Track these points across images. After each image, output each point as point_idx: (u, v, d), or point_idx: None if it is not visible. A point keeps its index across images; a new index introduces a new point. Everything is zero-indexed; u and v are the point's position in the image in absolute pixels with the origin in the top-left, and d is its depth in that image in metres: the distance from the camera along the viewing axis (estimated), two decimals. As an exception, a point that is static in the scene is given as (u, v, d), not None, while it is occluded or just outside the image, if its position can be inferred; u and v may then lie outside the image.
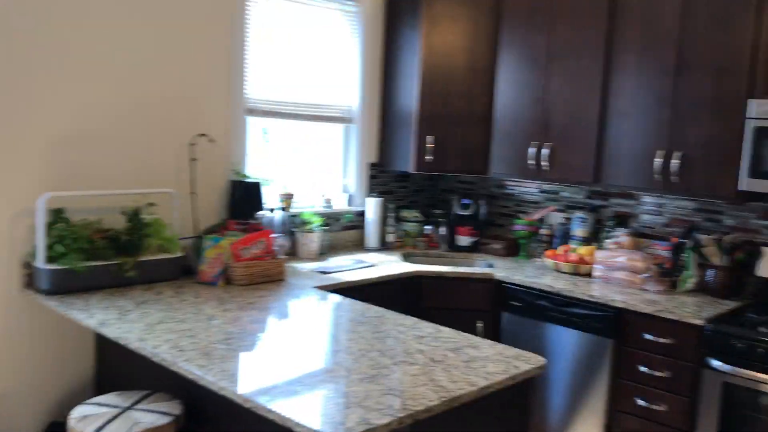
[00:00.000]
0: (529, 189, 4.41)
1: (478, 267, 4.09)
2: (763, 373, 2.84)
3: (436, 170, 4.19)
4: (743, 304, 3.33)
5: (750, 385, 2.88)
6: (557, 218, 4.21)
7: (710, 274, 3.46)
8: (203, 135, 3.50)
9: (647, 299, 3.33)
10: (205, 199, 3.57)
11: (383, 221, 4.34)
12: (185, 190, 3.47)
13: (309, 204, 4.15)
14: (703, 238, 3.53)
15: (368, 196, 4.34)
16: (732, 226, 3.58)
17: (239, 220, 3.51)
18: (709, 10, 3.26)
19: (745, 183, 3.15)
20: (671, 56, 3.39)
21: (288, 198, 3.89)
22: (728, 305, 3.30)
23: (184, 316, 2.64)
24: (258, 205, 3.65)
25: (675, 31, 3.37)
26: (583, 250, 3.85)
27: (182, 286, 3.10)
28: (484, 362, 2.25)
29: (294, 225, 3.88)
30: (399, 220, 4.44)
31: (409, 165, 4.20)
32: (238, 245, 3.19)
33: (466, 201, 4.43)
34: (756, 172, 3.12)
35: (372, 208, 4.22)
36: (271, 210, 3.76)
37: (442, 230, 4.33)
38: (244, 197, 3.60)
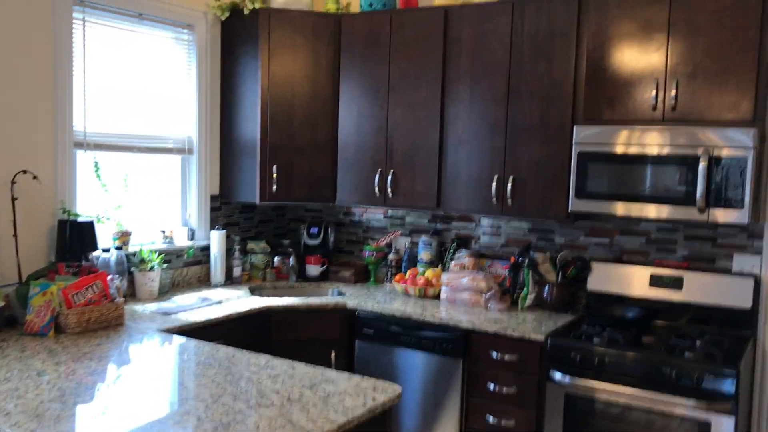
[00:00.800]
0: (376, 215, 4.46)
1: (328, 296, 4.06)
2: (598, 380, 3.04)
3: (282, 200, 4.13)
4: (577, 317, 3.56)
5: (588, 393, 3.07)
6: (404, 243, 4.29)
7: (547, 290, 3.67)
8: (25, 172, 3.21)
9: (491, 318, 3.46)
10: (29, 242, 3.26)
11: (229, 255, 4.21)
12: (7, 233, 3.15)
13: (148, 241, 3.92)
14: (538, 256, 3.74)
15: (212, 229, 4.19)
16: (563, 243, 3.83)
17: (70, 262, 3.24)
18: (533, 43, 3.49)
19: (573, 204, 3.38)
20: (502, 86, 3.58)
21: (124, 236, 3.65)
22: (565, 319, 3.51)
23: (8, 374, 2.37)
24: (91, 245, 3.39)
25: (504, 62, 3.57)
26: (430, 273, 3.95)
27: (5, 340, 2.80)
28: (342, 397, 2.22)
29: (132, 264, 3.65)
30: (245, 252, 4.32)
31: (254, 195, 4.10)
32: (70, 290, 2.94)
33: (314, 230, 4.40)
34: (582, 194, 3.36)
35: (216, 241, 4.07)
36: (106, 250, 3.51)
37: (291, 260, 4.27)
38: (75, 238, 3.33)
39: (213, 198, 4.26)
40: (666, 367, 2.92)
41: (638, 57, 3.23)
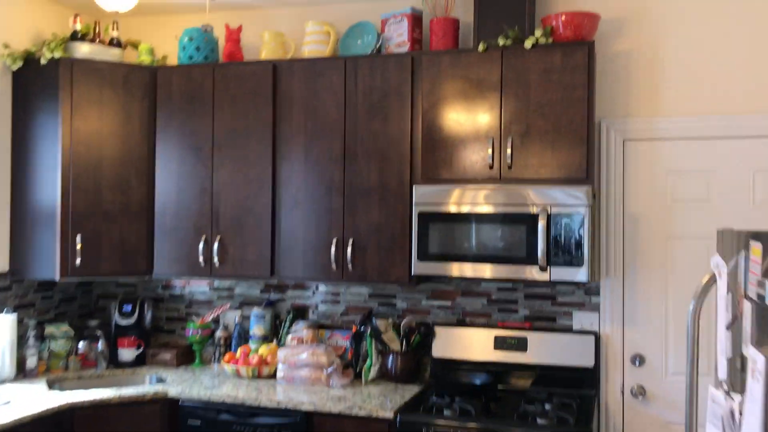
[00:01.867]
0: (200, 287, 4.01)
1: (146, 385, 3.53)
2: (454, 457, 2.83)
3: (87, 275, 3.57)
4: (424, 387, 3.35)
5: (444, 472, 2.84)
6: (233, 317, 3.87)
7: (391, 360, 3.44)
8: None
9: (335, 396, 3.15)
10: None
11: (21, 343, 3.54)
12: None
13: None
14: (380, 323, 3.51)
15: None
16: (405, 308, 3.64)
17: None
18: (368, 101, 3.34)
19: (416, 266, 3.22)
20: (338, 144, 3.38)
21: None
22: (412, 390, 3.29)
23: None
24: None
25: (339, 119, 3.38)
26: (264, 349, 3.57)
27: None
28: None
29: None
30: (43, 338, 3.66)
31: (52, 271, 3.50)
32: None
33: (127, 307, 3.86)
34: (424, 256, 3.20)
35: (4, 328, 3.40)
36: None
37: (100, 345, 3.68)
38: None
39: (1, 276, 3.59)
40: (521, 436, 2.78)
41: (472, 115, 3.19)
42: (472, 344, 3.40)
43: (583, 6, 3.33)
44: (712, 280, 1.63)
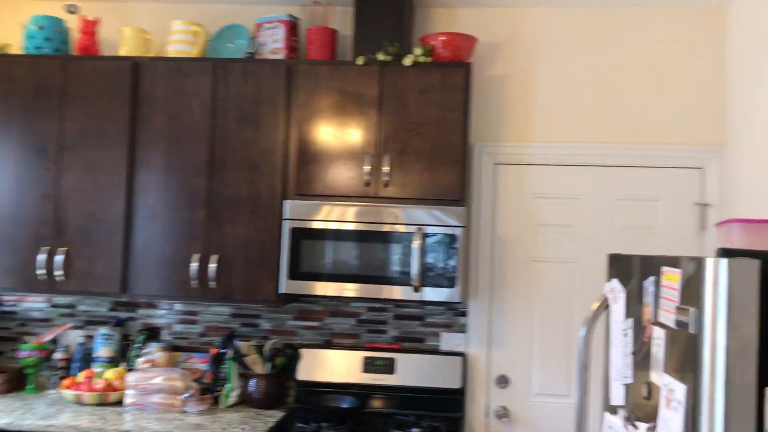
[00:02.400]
0: (37, 304, 3.59)
1: (-33, 414, 3.07)
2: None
3: None
4: (288, 413, 3.18)
5: (310, 504, 2.68)
6: (75, 337, 3.49)
7: (252, 383, 3.24)
8: None
9: (191, 423, 2.90)
10: None
11: None
12: None
13: None
14: (243, 345, 3.30)
15: None
16: (270, 329, 3.45)
17: None
18: (239, 108, 3.15)
19: (286, 285, 3.06)
20: (203, 153, 3.16)
21: None
22: (275, 416, 3.10)
23: None
24: None
25: (206, 126, 3.16)
26: (111, 373, 3.23)
27: None
28: None
29: None
30: None
31: None
32: None
33: (-54, 326, 3.36)
34: (295, 274, 3.05)
35: None
36: None
37: None
38: None
39: None
40: (392, 462, 2.68)
41: (350, 130, 3.09)
42: (340, 366, 3.28)
43: (460, 28, 3.36)
44: (604, 305, 1.63)
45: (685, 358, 1.07)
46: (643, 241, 3.25)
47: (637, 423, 1.30)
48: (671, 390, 1.11)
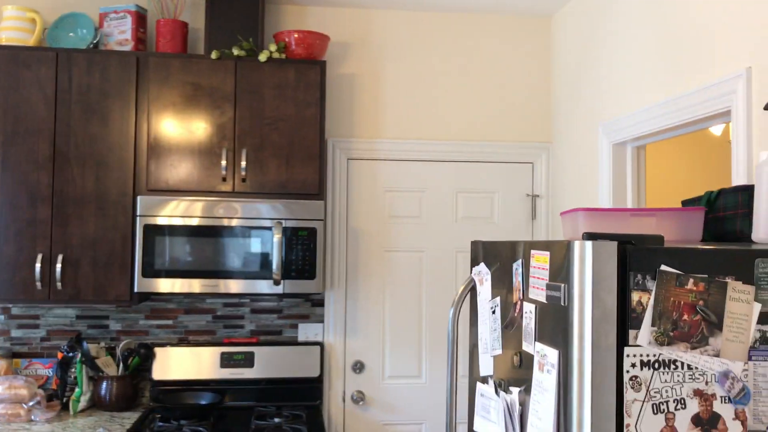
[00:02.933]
0: None
1: None
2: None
3: None
4: (145, 413, 3.11)
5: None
6: None
7: (105, 386, 3.13)
8: None
9: (40, 433, 2.76)
10: None
11: None
12: None
13: None
14: (92, 348, 3.18)
15: None
16: (120, 330, 3.34)
17: None
18: (85, 101, 3.01)
19: (140, 284, 2.98)
20: (46, 147, 2.99)
21: None
22: (131, 418, 3.03)
23: None
24: None
25: (49, 119, 2.99)
26: (-59, 387, 2.97)
27: None
28: None
29: None
30: None
31: None
32: None
33: None
34: (149, 272, 2.99)
35: None
36: None
37: None
38: None
39: None
40: (258, 452, 2.74)
41: (205, 125, 3.08)
42: (197, 363, 3.26)
43: (311, 26, 3.45)
44: (470, 287, 1.81)
45: (556, 328, 1.26)
46: (482, 229, 3.54)
47: (510, 388, 1.48)
48: (544, 355, 1.29)
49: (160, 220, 3.00)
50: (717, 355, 1.17)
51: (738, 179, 2.02)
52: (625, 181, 2.90)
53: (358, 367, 3.45)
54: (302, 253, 3.05)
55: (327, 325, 3.44)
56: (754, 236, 1.40)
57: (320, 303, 3.45)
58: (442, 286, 3.50)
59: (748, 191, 1.56)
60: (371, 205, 3.49)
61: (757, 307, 1.18)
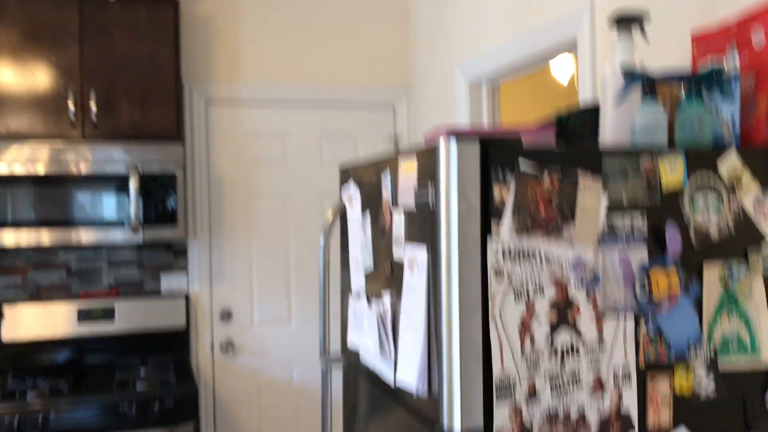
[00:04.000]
0: None
1: None
2: (48, 442, 2.54)
3: None
4: (-4, 376, 2.91)
5: (36, 461, 2.53)
6: None
7: (-55, 351, 2.88)
8: None
9: None
10: None
11: None
12: None
13: None
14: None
15: None
16: (-40, 290, 3.08)
17: None
18: None
19: (-18, 236, 2.76)
20: None
21: None
22: (-21, 381, 2.82)
23: None
24: None
25: None
26: None
27: None
28: None
29: None
30: None
31: None
32: None
33: None
34: (-8, 223, 2.77)
35: None
36: None
37: None
38: None
39: None
40: (124, 403, 2.65)
41: (48, 65, 2.86)
42: (51, 320, 3.08)
43: (163, -36, 3.27)
44: (339, 213, 1.82)
45: (425, 228, 1.30)
46: (347, 173, 3.57)
47: (380, 290, 1.52)
48: (413, 257, 1.33)
49: (1, 168, 2.77)
50: (571, 245, 1.26)
51: (583, 101, 2.17)
52: (482, 119, 3.03)
53: (226, 315, 3.40)
54: (161, 200, 2.94)
55: (192, 274, 3.35)
56: (601, 139, 1.52)
57: (183, 252, 3.35)
58: (308, 230, 3.51)
59: (592, 112, 1.68)
60: (234, 151, 3.41)
61: (604, 201, 1.28)
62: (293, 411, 3.48)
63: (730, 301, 1.33)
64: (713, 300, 1.33)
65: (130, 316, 3.17)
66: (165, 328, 3.21)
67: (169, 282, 3.33)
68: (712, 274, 1.32)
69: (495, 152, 1.22)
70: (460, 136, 1.23)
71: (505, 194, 1.23)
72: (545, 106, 4.54)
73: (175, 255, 3.34)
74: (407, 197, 1.37)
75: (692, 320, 1.31)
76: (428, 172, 1.28)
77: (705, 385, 1.32)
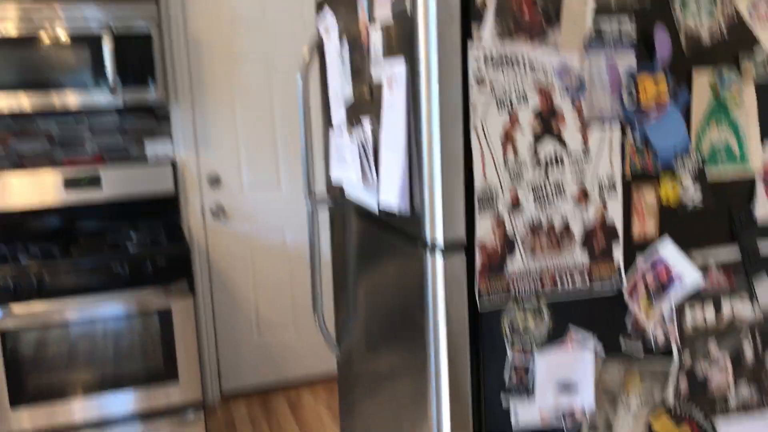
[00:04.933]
0: None
1: None
2: (41, 300, 2.57)
3: None
4: (-13, 243, 2.91)
5: (31, 322, 2.57)
6: None
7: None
8: None
9: None
10: None
11: None
12: None
13: None
14: None
15: None
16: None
17: None
18: None
19: (-45, 101, 2.67)
20: None
21: None
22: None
23: None
24: None
25: None
26: None
27: None
28: None
29: None
30: None
31: None
32: None
33: None
34: (-36, 88, 2.68)
35: None
36: None
37: None
38: None
39: None
40: (116, 263, 2.66)
41: None
42: (38, 188, 3.04)
43: None
44: (316, 48, 1.75)
45: (403, 41, 1.24)
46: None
47: (360, 117, 1.48)
48: (392, 72, 1.28)
49: (-33, 29, 2.65)
50: (556, 51, 1.20)
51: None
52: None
53: (215, 181, 3.37)
54: (138, 58, 2.83)
55: (176, 140, 3.29)
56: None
57: (166, 117, 3.27)
58: (292, 90, 3.42)
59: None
60: (213, 7, 3.26)
61: (591, 2, 1.21)
62: (287, 273, 3.52)
63: (719, 109, 1.29)
64: (702, 108, 1.28)
65: (118, 183, 3.14)
66: (154, 194, 3.19)
67: (153, 148, 3.28)
68: (702, 81, 1.28)
69: (475, -50, 1.14)
70: (438, -68, 1.14)
71: (487, -4, 1.16)
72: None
73: (158, 120, 3.27)
74: (384, 8, 1.30)
75: (680, 129, 1.28)
76: (405, -21, 1.20)
77: (692, 194, 1.30)
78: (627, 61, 1.23)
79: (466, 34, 1.16)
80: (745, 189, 1.33)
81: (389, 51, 1.30)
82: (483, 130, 1.18)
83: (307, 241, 3.52)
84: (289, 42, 3.38)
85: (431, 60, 1.16)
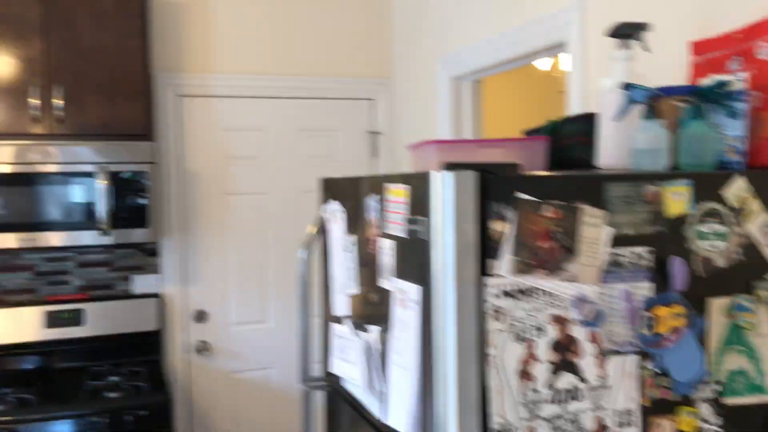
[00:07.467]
0: None
1: None
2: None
3: None
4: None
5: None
6: None
7: None
8: None
9: None
10: None
11: None
12: None
13: None
14: None
15: None
16: None
17: None
18: None
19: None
20: None
21: None
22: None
23: None
24: None
25: None
26: None
27: None
28: None
29: None
30: None
31: None
32: None
33: None
34: (-49, 227, 2.62)
35: None
36: None
37: None
38: None
39: None
40: (95, 416, 2.54)
41: (10, 59, 2.70)
42: (18, 325, 2.94)
43: (130, -51, 3.10)
44: (320, 227, 1.73)
45: (417, 262, 1.21)
46: (325, 168, 3.46)
47: (368, 326, 1.44)
48: (405, 292, 1.25)
49: (-39, 169, 2.62)
50: (573, 281, 1.18)
51: (573, 108, 2.08)
52: (463, 115, 2.93)
53: (201, 316, 3.29)
54: (131, 199, 2.81)
55: (164, 275, 3.23)
56: (600, 162, 1.43)
57: (155, 252, 3.23)
58: (286, 227, 3.40)
59: (585, 120, 1.59)
60: (207, 145, 3.28)
61: (607, 231, 1.20)
62: (270, 412, 3.40)
63: (736, 335, 1.27)
64: (718, 334, 1.26)
65: (101, 319, 3.05)
66: (137, 330, 3.10)
67: (141, 284, 3.21)
68: (718, 307, 1.26)
69: (493, 183, 1.14)
70: (456, 167, 1.14)
71: (504, 228, 1.14)
72: (528, 95, 4.46)
73: (147, 255, 3.22)
74: (397, 225, 1.28)
75: (697, 357, 1.25)
76: (420, 202, 1.19)
77: (711, 422, 1.26)
78: (643, 290, 1.22)
79: (483, 266, 1.14)
80: (765, 415, 1.29)
81: (402, 267, 1.28)
82: (500, 363, 1.15)
83: (291, 379, 3.41)
84: (283, 179, 3.39)
85: (447, 290, 1.14)
